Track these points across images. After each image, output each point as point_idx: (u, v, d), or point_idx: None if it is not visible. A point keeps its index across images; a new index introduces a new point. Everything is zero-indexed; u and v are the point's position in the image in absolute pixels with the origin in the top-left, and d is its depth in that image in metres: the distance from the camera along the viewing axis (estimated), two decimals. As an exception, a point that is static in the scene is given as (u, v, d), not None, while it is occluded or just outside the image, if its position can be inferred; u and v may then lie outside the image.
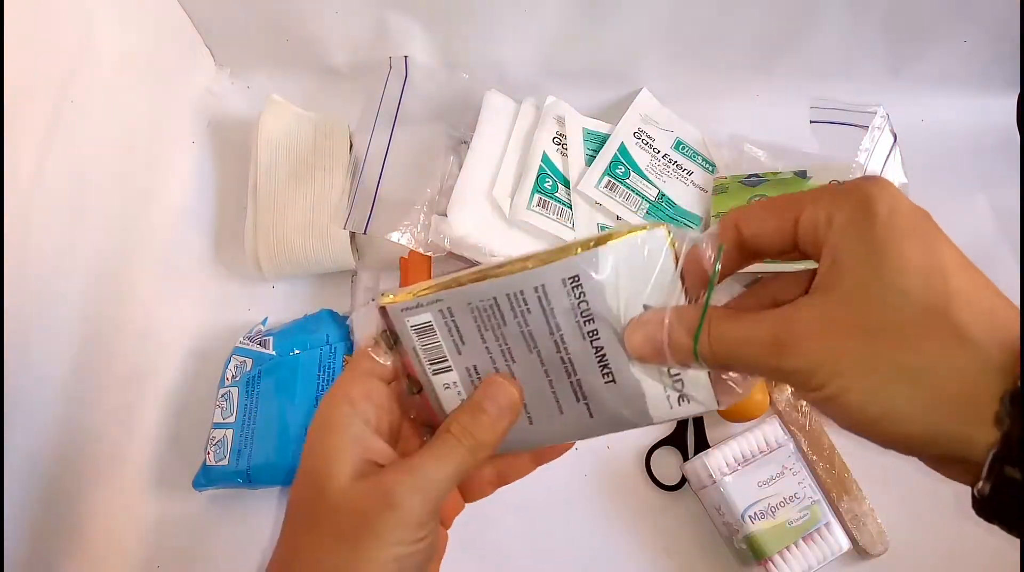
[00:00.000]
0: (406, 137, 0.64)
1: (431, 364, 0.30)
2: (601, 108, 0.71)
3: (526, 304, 0.28)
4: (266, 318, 0.63)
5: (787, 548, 0.54)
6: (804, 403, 0.61)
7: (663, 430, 0.61)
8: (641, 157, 0.67)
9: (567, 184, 0.65)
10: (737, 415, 0.59)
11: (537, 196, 0.63)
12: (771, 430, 0.58)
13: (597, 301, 0.27)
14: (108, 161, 0.59)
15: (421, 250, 0.61)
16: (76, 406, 0.55)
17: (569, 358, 0.29)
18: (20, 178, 0.48)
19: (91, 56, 0.55)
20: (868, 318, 0.22)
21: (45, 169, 0.50)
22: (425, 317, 0.30)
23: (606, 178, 0.65)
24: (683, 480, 0.59)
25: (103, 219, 0.58)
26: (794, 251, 0.26)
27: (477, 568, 0.56)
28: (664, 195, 0.66)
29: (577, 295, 0.27)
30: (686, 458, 0.60)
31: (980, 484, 0.21)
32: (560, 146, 0.66)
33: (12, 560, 0.47)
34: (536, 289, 0.28)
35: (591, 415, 0.30)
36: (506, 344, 0.29)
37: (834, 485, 0.58)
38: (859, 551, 0.57)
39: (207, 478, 0.55)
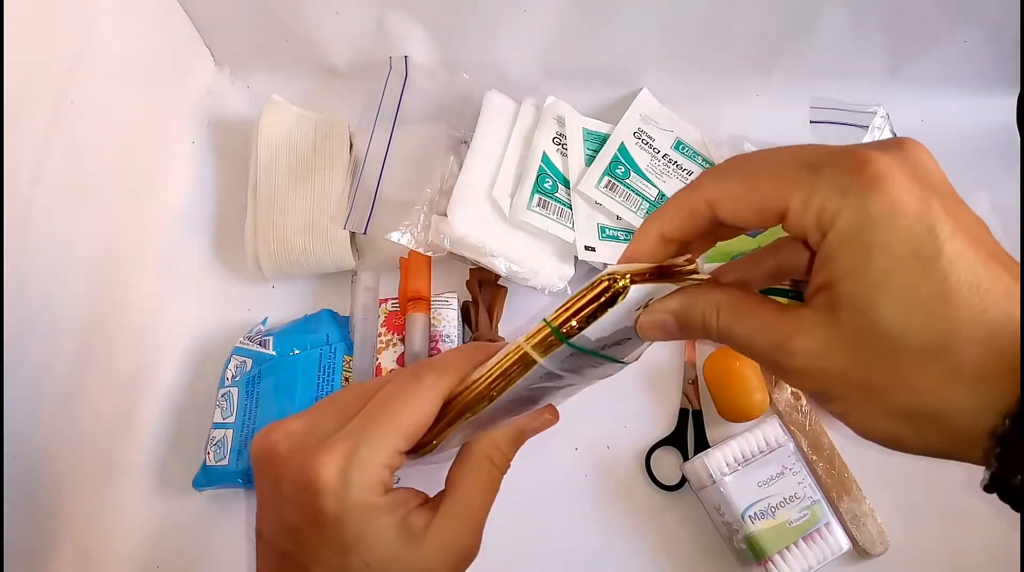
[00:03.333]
0: (406, 137, 0.64)
1: None
2: (601, 108, 0.72)
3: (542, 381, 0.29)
4: (266, 318, 0.63)
5: (787, 548, 0.54)
6: (804, 403, 0.61)
7: (663, 430, 0.61)
8: (641, 157, 0.67)
9: (567, 184, 0.65)
10: (737, 415, 0.59)
11: (537, 196, 0.63)
12: (771, 430, 0.58)
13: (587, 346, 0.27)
14: (108, 161, 0.58)
15: (421, 250, 0.61)
16: (76, 406, 0.55)
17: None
18: (20, 178, 0.48)
19: (91, 56, 0.55)
20: (865, 362, 0.22)
21: (45, 169, 0.50)
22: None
23: (606, 178, 0.65)
24: (683, 480, 0.59)
25: (103, 219, 0.58)
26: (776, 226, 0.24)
27: (476, 568, 0.56)
28: (664, 195, 0.66)
29: (568, 358, 0.28)
30: (686, 458, 0.60)
31: (984, 485, 0.21)
32: (560, 146, 0.66)
33: (12, 559, 0.47)
34: (543, 375, 0.28)
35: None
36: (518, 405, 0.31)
37: (834, 485, 0.58)
38: (859, 551, 0.57)
39: (207, 478, 0.55)
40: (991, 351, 0.20)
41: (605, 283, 0.25)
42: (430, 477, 0.34)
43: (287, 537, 0.29)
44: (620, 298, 0.25)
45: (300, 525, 0.28)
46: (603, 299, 0.25)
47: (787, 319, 0.24)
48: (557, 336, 0.26)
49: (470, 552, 0.30)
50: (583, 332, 0.25)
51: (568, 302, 0.26)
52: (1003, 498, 0.21)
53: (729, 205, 0.24)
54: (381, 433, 0.28)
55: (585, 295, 0.25)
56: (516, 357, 0.27)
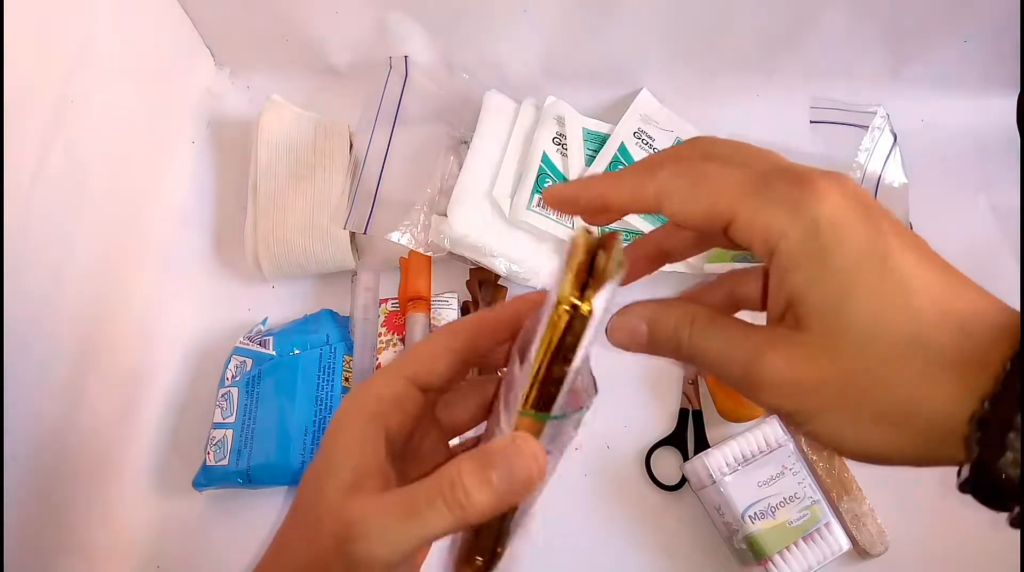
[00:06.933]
0: (406, 137, 0.64)
1: None
2: (601, 108, 0.72)
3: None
4: (266, 318, 0.63)
5: (787, 548, 0.54)
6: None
7: (663, 430, 0.61)
8: (641, 157, 0.67)
9: (567, 184, 0.65)
10: (737, 415, 0.59)
11: (537, 196, 0.63)
12: (771, 430, 0.58)
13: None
14: (108, 161, 0.58)
15: (421, 250, 0.61)
16: (76, 406, 0.55)
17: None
18: (20, 178, 0.48)
19: (91, 56, 0.55)
20: (840, 367, 0.22)
21: (45, 169, 0.50)
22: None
23: (606, 178, 0.65)
24: (683, 480, 0.59)
25: (103, 219, 0.58)
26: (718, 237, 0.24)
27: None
28: (664, 195, 0.66)
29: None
30: (686, 458, 0.60)
31: (960, 482, 0.21)
32: (560, 146, 0.66)
33: (12, 560, 0.47)
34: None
35: None
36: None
37: (834, 485, 0.58)
38: (859, 551, 0.57)
39: (207, 478, 0.55)
40: (963, 341, 0.21)
41: (565, 316, 0.22)
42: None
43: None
44: (585, 327, 0.22)
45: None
46: (567, 339, 0.22)
47: (760, 334, 0.24)
48: (537, 419, 0.24)
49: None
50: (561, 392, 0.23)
51: (536, 365, 0.23)
52: (982, 495, 0.21)
53: (676, 204, 0.24)
54: (394, 366, 0.30)
55: (548, 345, 0.22)
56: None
